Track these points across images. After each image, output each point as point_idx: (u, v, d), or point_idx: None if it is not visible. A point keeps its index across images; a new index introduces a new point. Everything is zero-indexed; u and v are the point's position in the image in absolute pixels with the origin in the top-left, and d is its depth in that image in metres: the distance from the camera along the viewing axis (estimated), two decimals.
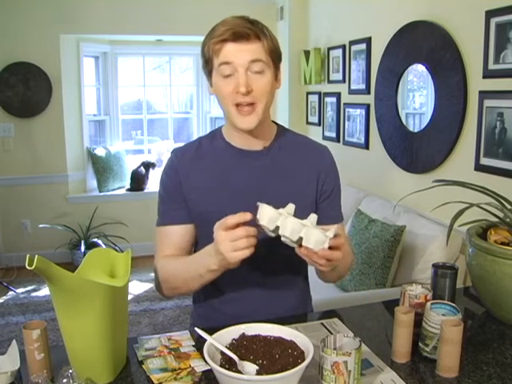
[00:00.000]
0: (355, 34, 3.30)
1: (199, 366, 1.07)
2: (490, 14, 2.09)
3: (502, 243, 1.29)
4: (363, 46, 3.19)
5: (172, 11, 4.21)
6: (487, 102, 2.16)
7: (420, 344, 1.12)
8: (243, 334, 1.03)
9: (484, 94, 2.18)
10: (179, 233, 1.30)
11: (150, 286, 3.81)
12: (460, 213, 1.35)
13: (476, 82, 2.23)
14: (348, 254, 1.28)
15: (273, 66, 1.21)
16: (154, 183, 4.51)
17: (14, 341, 1.13)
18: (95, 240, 4.22)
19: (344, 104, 3.53)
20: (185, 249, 1.31)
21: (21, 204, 4.22)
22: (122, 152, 4.71)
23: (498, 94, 2.09)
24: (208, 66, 1.22)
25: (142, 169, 4.58)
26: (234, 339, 1.02)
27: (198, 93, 4.95)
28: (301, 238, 1.03)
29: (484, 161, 2.20)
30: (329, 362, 0.91)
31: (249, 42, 1.16)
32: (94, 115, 4.68)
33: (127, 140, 4.99)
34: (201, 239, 1.33)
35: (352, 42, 3.35)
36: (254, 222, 1.05)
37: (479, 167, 2.23)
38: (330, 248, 1.03)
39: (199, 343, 1.15)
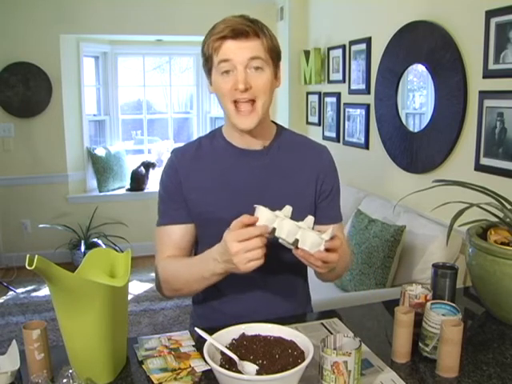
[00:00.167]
0: (355, 34, 3.30)
1: (199, 366, 1.07)
2: (489, 14, 2.09)
3: (502, 243, 1.29)
4: (363, 46, 3.19)
5: (172, 11, 4.21)
6: (487, 102, 2.16)
7: (420, 344, 1.12)
8: (243, 334, 1.03)
9: (484, 94, 2.18)
10: (179, 233, 1.30)
11: (149, 285, 3.81)
12: (460, 213, 1.35)
13: (476, 82, 2.23)
14: (346, 255, 1.28)
15: (272, 64, 1.22)
16: (153, 183, 4.51)
17: (14, 341, 1.13)
18: (95, 240, 4.22)
19: (344, 104, 3.53)
20: (185, 249, 1.31)
21: (21, 204, 4.22)
22: (122, 152, 4.71)
23: (498, 94, 2.09)
24: (208, 63, 1.22)
25: (142, 169, 4.59)
26: (233, 339, 1.02)
27: (198, 93, 4.95)
28: (297, 240, 1.04)
29: (484, 161, 2.20)
30: (329, 361, 0.91)
31: (248, 40, 1.16)
32: (94, 115, 4.68)
33: (127, 140, 4.99)
34: (201, 239, 1.33)
35: (352, 42, 3.35)
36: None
37: (479, 167, 2.23)
38: (327, 250, 1.04)
39: (199, 343, 1.15)
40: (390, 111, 2.89)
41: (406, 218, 2.53)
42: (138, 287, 3.82)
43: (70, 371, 0.94)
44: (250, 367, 0.94)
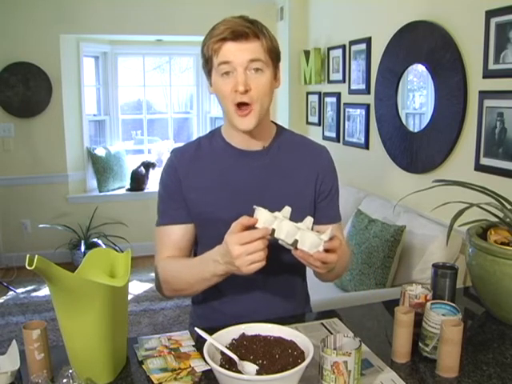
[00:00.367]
0: (355, 33, 3.30)
1: (199, 366, 1.07)
2: (489, 14, 2.09)
3: (502, 243, 1.29)
4: (363, 46, 3.19)
5: (172, 11, 4.21)
6: (487, 102, 2.16)
7: (420, 344, 1.12)
8: (243, 333, 1.03)
9: (484, 94, 2.18)
10: (179, 233, 1.30)
11: (149, 285, 3.81)
12: (460, 213, 1.35)
13: (476, 82, 2.23)
14: (345, 255, 1.28)
15: (272, 65, 1.22)
16: (153, 183, 4.51)
17: (14, 341, 1.13)
18: (95, 240, 4.22)
19: (344, 104, 3.53)
20: (185, 249, 1.31)
21: (21, 204, 4.22)
22: (122, 152, 4.71)
23: (498, 94, 2.09)
24: (208, 65, 1.22)
25: (142, 169, 4.59)
26: (233, 339, 1.02)
27: (198, 93, 4.95)
28: (296, 241, 1.04)
29: (484, 161, 2.20)
30: (329, 361, 0.91)
31: (248, 41, 1.16)
32: (94, 115, 4.68)
33: (127, 140, 4.99)
34: (201, 239, 1.33)
35: (352, 42, 3.35)
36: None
37: (479, 167, 2.23)
38: (326, 250, 1.04)
39: (199, 343, 1.15)
40: (390, 111, 2.89)
41: (405, 218, 2.53)
42: (138, 287, 3.82)
43: (70, 371, 0.94)
44: (250, 367, 0.94)
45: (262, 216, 1.05)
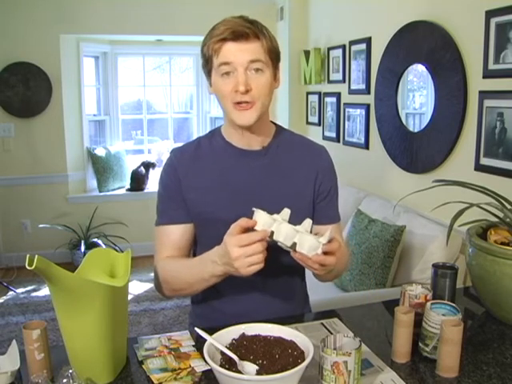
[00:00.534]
0: (355, 33, 3.30)
1: (199, 366, 1.07)
2: (489, 14, 2.09)
3: (502, 243, 1.29)
4: (363, 46, 3.19)
5: (172, 11, 4.21)
6: (487, 102, 2.16)
7: (420, 344, 1.12)
8: (243, 334, 1.03)
9: (484, 94, 2.18)
10: (178, 232, 1.30)
11: (150, 286, 3.81)
12: (460, 213, 1.35)
13: (476, 82, 2.23)
14: (344, 256, 1.28)
15: (271, 65, 1.22)
16: (153, 183, 4.50)
17: (14, 341, 1.13)
18: (95, 240, 4.22)
19: (344, 104, 3.53)
20: (184, 249, 1.31)
21: (21, 204, 4.22)
22: (122, 152, 4.71)
23: (498, 94, 2.09)
24: (208, 65, 1.23)
25: (142, 169, 4.59)
26: (234, 339, 1.02)
27: (198, 93, 4.95)
28: (295, 244, 1.05)
29: (484, 161, 2.20)
30: (329, 361, 0.91)
31: (248, 42, 1.16)
32: (94, 115, 4.68)
33: (127, 140, 4.99)
34: (200, 239, 1.33)
35: (352, 42, 3.35)
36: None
37: (479, 167, 2.23)
38: (325, 253, 1.05)
39: (199, 343, 1.15)
40: (390, 111, 2.89)
41: (405, 218, 2.53)
42: (138, 287, 3.82)
43: (70, 371, 0.94)
44: (250, 367, 0.94)
45: (261, 218, 1.05)
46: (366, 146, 3.24)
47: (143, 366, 1.08)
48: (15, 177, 4.16)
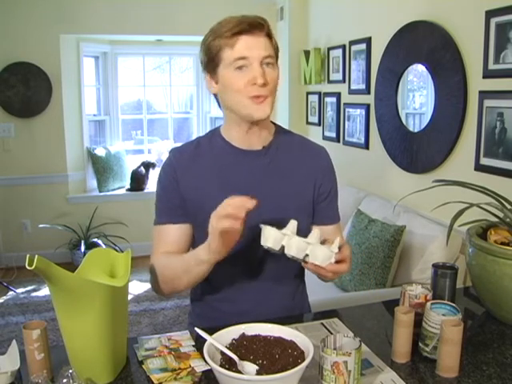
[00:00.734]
0: (355, 33, 3.30)
1: (199, 366, 1.07)
2: (489, 14, 2.09)
3: (502, 243, 1.29)
4: (363, 46, 3.19)
5: (172, 11, 4.21)
6: (487, 102, 2.16)
7: (420, 344, 1.12)
8: (243, 334, 1.03)
9: (484, 94, 2.18)
10: (176, 232, 1.29)
11: (149, 286, 3.79)
12: (460, 213, 1.35)
13: (476, 82, 2.23)
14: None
15: (276, 62, 1.24)
16: (153, 183, 4.50)
17: (14, 341, 1.12)
18: (95, 240, 4.22)
19: (344, 104, 3.53)
20: (182, 248, 1.31)
21: (21, 204, 4.22)
22: (122, 152, 4.71)
23: (498, 94, 2.09)
24: (213, 62, 1.21)
25: (142, 169, 4.59)
26: (234, 339, 1.02)
27: (198, 93, 4.95)
28: (307, 255, 1.07)
29: (484, 161, 2.20)
30: (329, 361, 0.91)
31: (261, 33, 1.18)
32: (94, 115, 4.68)
33: (127, 140, 4.99)
34: (198, 239, 1.33)
35: (352, 42, 3.35)
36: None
37: (479, 167, 2.23)
38: (336, 262, 1.06)
39: (199, 343, 1.15)
40: (390, 111, 2.89)
41: (405, 218, 2.53)
42: (138, 287, 3.81)
43: (70, 371, 0.94)
44: (250, 367, 0.94)
45: (271, 234, 1.06)
46: (366, 146, 3.24)
47: (143, 366, 1.08)
48: (15, 177, 4.16)
